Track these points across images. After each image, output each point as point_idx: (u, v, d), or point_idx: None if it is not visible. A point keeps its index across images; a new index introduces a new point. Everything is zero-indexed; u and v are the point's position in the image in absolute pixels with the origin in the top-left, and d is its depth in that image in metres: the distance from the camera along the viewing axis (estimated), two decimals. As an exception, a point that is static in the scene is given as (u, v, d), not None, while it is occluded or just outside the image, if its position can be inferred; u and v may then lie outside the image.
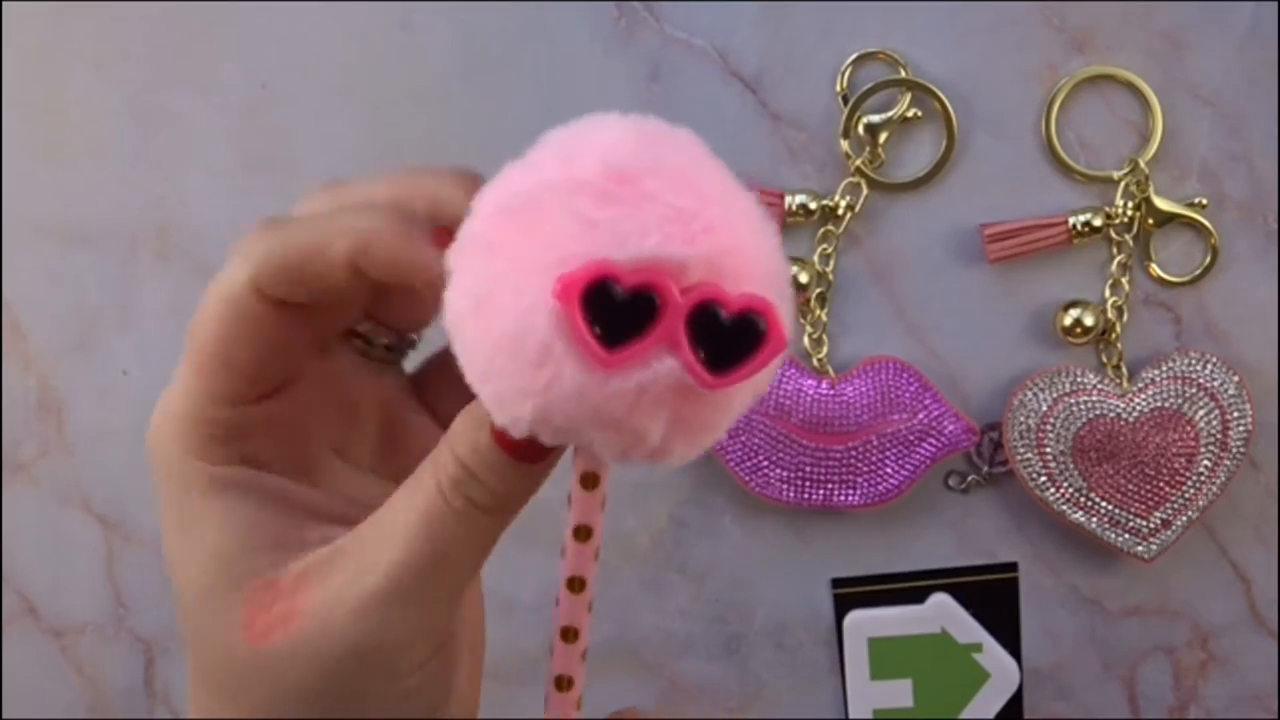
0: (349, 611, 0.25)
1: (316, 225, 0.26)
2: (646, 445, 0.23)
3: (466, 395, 0.27)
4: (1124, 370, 0.53)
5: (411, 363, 0.31)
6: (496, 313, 0.22)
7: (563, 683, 0.27)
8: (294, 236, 0.26)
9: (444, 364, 0.30)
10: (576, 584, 0.26)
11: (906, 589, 0.54)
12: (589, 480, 0.25)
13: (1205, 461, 0.52)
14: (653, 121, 0.23)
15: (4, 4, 0.54)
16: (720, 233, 0.22)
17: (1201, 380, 0.52)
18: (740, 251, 0.22)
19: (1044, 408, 0.52)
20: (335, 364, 0.29)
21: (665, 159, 0.22)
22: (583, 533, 0.25)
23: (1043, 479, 0.52)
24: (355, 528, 0.26)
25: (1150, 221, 0.53)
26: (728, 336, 0.22)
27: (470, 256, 0.23)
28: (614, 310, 0.21)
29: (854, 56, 0.53)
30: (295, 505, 0.27)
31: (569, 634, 0.27)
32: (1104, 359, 0.53)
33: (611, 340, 0.21)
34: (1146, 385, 0.52)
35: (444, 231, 0.25)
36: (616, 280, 0.21)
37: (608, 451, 0.23)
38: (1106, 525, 0.52)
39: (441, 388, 0.30)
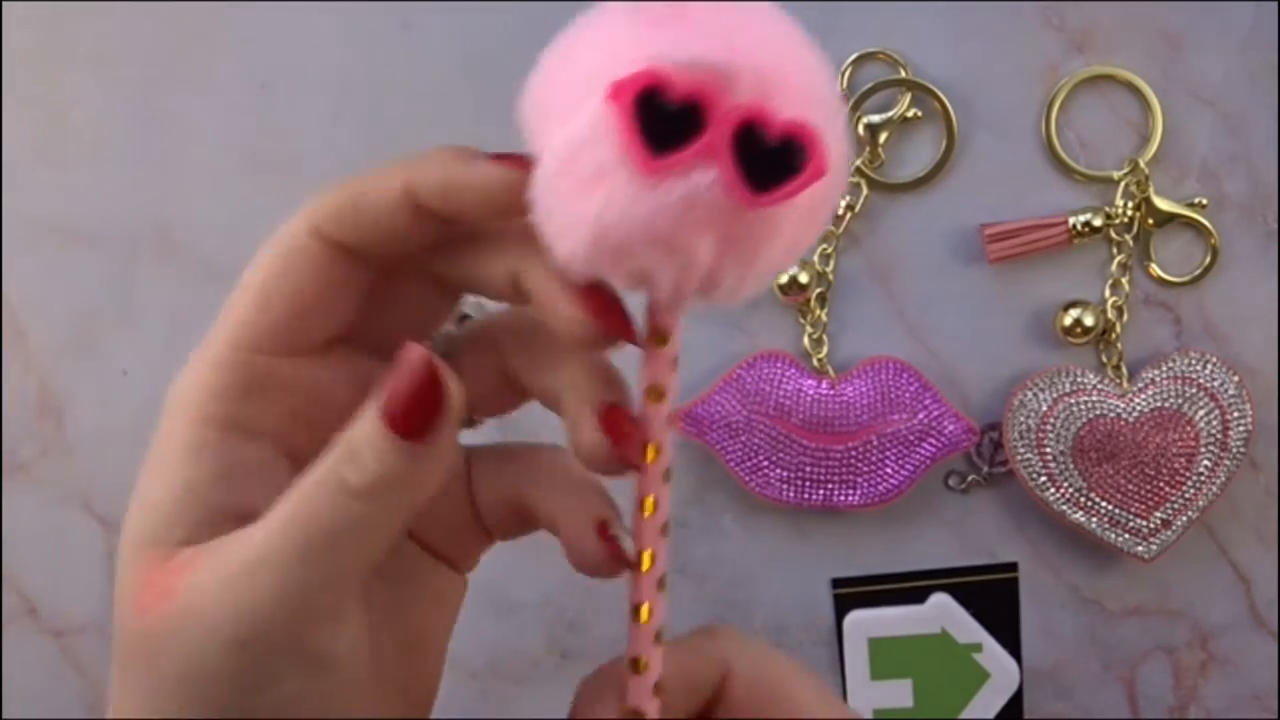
0: (210, 593, 0.24)
1: (375, 170, 0.26)
2: (697, 267, 0.22)
3: (507, 489, 0.28)
4: (1124, 370, 0.53)
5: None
6: (560, 129, 0.22)
7: (639, 613, 0.27)
8: (353, 181, 0.26)
9: (496, 457, 0.29)
10: (650, 453, 0.25)
11: (906, 589, 0.54)
12: (658, 335, 0.24)
13: (1205, 461, 0.52)
14: None
15: (4, 4, 0.54)
16: (769, 52, 0.22)
17: (1201, 380, 0.52)
18: (789, 72, 0.22)
19: (1044, 408, 0.52)
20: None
21: None
22: (654, 393, 0.25)
23: (1043, 479, 0.52)
24: None
25: (1150, 221, 0.53)
26: (772, 158, 0.22)
27: (538, 89, 0.24)
28: (664, 119, 0.21)
29: (854, 56, 0.53)
30: (266, 487, 0.26)
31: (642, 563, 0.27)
32: (1104, 359, 0.53)
33: (659, 147, 0.21)
34: (1146, 385, 0.52)
35: (500, 156, 0.25)
36: (668, 87, 0.21)
37: (664, 280, 0.23)
38: (1106, 525, 0.52)
39: (484, 474, 0.29)
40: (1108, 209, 0.52)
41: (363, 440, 0.24)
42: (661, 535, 0.26)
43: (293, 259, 0.26)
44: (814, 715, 0.28)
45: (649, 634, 0.27)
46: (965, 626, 0.54)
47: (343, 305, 0.27)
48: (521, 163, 0.24)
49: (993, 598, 0.54)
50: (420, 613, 0.29)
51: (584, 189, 0.22)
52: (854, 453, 0.52)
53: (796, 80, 0.22)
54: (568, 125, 0.22)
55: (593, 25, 0.23)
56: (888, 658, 0.54)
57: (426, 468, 0.24)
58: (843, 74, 0.53)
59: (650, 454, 0.25)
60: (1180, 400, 0.52)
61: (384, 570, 0.27)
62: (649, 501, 0.25)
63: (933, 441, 0.52)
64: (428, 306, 0.28)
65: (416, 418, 0.24)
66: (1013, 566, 0.54)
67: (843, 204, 0.53)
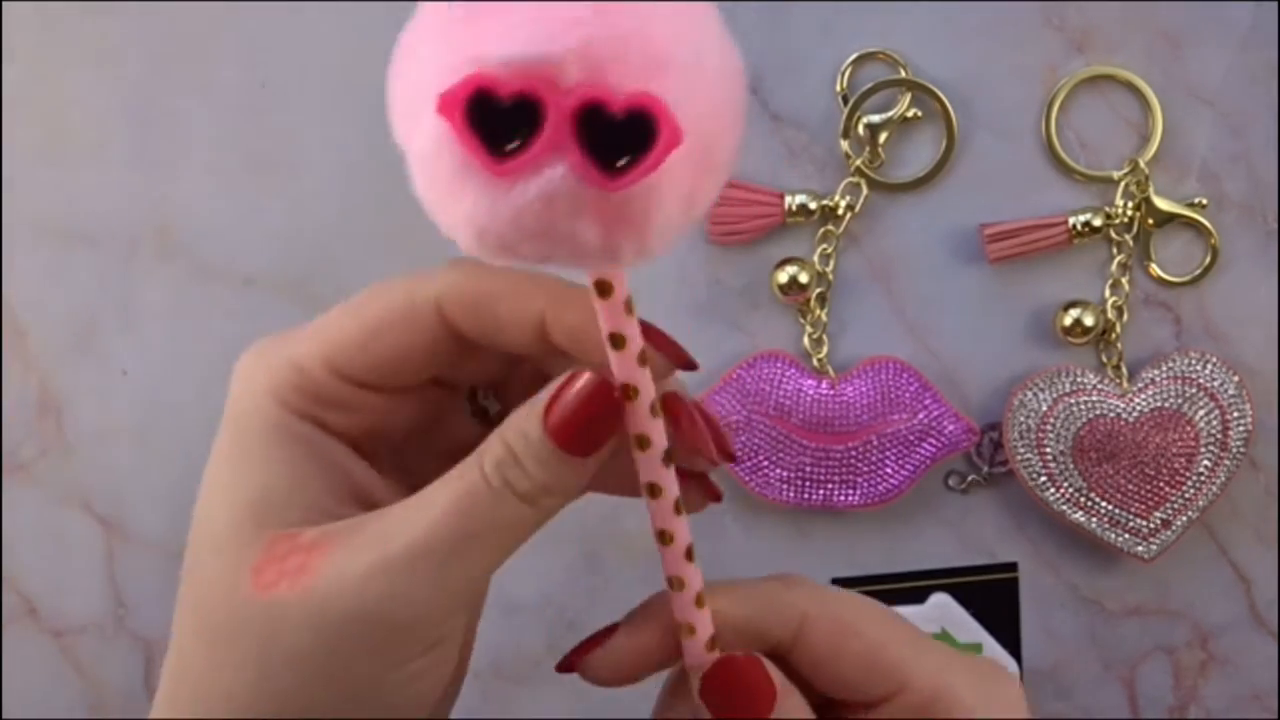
0: (360, 575, 0.25)
1: (519, 275, 0.27)
2: (590, 248, 0.22)
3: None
4: (1124, 370, 0.53)
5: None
6: (410, 141, 0.22)
7: (665, 537, 0.27)
8: (498, 277, 0.26)
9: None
10: (631, 393, 0.26)
11: (906, 589, 0.54)
12: (601, 287, 0.25)
13: (1205, 461, 0.52)
14: None
15: (4, 4, 0.54)
16: (597, 24, 0.21)
17: (1201, 380, 0.52)
18: (625, 39, 0.21)
19: (1044, 408, 0.52)
20: (456, 406, 0.30)
21: None
22: (616, 340, 0.25)
23: (1043, 479, 0.52)
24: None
25: (1150, 221, 0.53)
26: (622, 134, 0.21)
27: (392, 97, 0.23)
28: (501, 119, 0.21)
29: (854, 56, 0.53)
30: (352, 480, 0.27)
31: (654, 489, 0.27)
32: (1104, 359, 0.53)
33: (502, 149, 0.21)
34: (1146, 385, 0.52)
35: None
36: (495, 89, 0.20)
37: (563, 261, 0.23)
38: (1106, 525, 0.52)
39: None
40: (1108, 209, 0.52)
41: (525, 449, 0.25)
42: (665, 467, 0.26)
43: (413, 319, 0.27)
44: (891, 651, 0.28)
45: (665, 510, 0.27)
46: (965, 626, 0.54)
47: (432, 369, 0.28)
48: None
49: (993, 598, 0.54)
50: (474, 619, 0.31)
51: (450, 196, 0.22)
52: (854, 453, 0.52)
53: (637, 44, 0.21)
54: (413, 139, 0.22)
55: (416, 30, 0.23)
56: (888, 658, 0.54)
57: (585, 477, 0.26)
58: (843, 74, 0.53)
59: (631, 393, 0.25)
60: (1180, 400, 0.52)
61: None
62: (643, 438, 0.26)
63: (933, 441, 0.52)
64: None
65: (586, 437, 0.25)
66: (1013, 566, 0.54)
67: (843, 204, 0.53)
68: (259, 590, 0.25)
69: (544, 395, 0.25)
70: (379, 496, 0.28)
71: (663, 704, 0.30)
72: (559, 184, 0.21)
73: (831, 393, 0.53)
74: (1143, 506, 0.52)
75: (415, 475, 0.28)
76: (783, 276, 0.53)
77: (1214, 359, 0.52)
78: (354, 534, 0.25)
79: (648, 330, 0.26)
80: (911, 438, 0.52)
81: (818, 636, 0.28)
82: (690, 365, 0.27)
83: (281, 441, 0.27)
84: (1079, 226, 0.52)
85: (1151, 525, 0.52)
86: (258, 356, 0.27)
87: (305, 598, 0.25)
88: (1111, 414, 0.52)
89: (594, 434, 0.25)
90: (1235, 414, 0.52)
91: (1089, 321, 0.52)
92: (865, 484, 0.53)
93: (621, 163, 0.21)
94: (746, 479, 0.53)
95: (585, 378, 0.25)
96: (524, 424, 0.25)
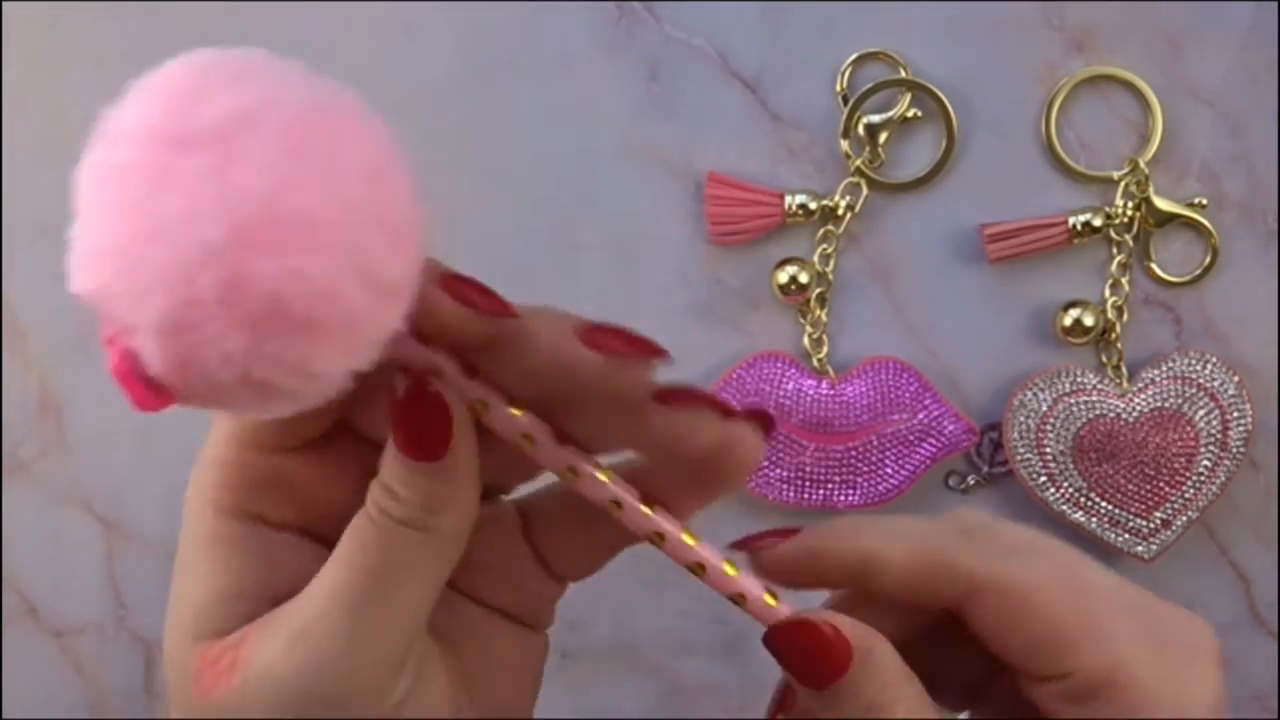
0: (280, 652, 0.24)
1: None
2: (266, 405, 0.23)
3: (578, 531, 0.28)
4: (1124, 370, 0.53)
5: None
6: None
7: (656, 539, 0.27)
8: None
9: (557, 501, 0.28)
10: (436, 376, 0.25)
11: (906, 589, 0.54)
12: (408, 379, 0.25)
13: (1205, 461, 0.52)
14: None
15: (4, 4, 0.54)
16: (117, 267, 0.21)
17: (1201, 380, 0.52)
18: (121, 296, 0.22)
19: (1044, 408, 0.52)
20: None
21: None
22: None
23: (1043, 479, 0.52)
24: None
25: (1150, 221, 0.53)
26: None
27: None
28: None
29: (854, 56, 0.53)
30: (299, 570, 0.26)
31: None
32: (1104, 359, 0.53)
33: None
34: (1146, 385, 0.52)
35: (454, 278, 0.24)
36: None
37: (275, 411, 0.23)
38: (1106, 525, 0.52)
39: (551, 522, 0.29)
40: (1108, 209, 0.52)
41: (390, 474, 0.24)
42: (588, 465, 0.26)
43: None
44: (1064, 632, 0.27)
45: (636, 517, 0.27)
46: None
47: (333, 403, 0.26)
48: (492, 305, 0.24)
49: (993, 598, 0.54)
50: (501, 679, 0.29)
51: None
52: (854, 453, 0.52)
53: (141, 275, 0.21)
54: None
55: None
56: (888, 658, 0.54)
57: (457, 483, 0.25)
58: (843, 74, 0.53)
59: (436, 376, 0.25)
60: (1180, 400, 0.52)
61: (460, 641, 0.27)
62: (528, 436, 0.26)
63: (933, 441, 0.52)
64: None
65: (426, 438, 0.24)
66: (1013, 566, 0.54)
67: (843, 204, 0.53)
68: (200, 697, 0.25)
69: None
70: None
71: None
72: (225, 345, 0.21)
73: (831, 393, 0.53)
74: (1143, 506, 0.52)
75: None
76: (783, 276, 0.53)
77: (1214, 359, 0.52)
78: (273, 617, 0.25)
79: (454, 283, 0.24)
80: (911, 438, 0.52)
81: (985, 609, 0.27)
82: (499, 308, 0.24)
83: (217, 551, 0.26)
84: (1079, 226, 0.52)
85: (1151, 525, 0.52)
86: (196, 465, 0.27)
87: (238, 693, 0.24)
88: (1111, 414, 0.52)
89: (431, 434, 0.24)
90: (1235, 414, 0.52)
91: (1089, 321, 0.52)
92: (865, 484, 0.53)
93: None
94: (746, 479, 0.53)
95: (400, 380, 0.24)
96: (387, 452, 0.25)
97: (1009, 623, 0.27)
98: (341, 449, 0.27)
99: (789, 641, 0.27)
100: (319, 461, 0.27)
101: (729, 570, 0.27)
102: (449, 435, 0.24)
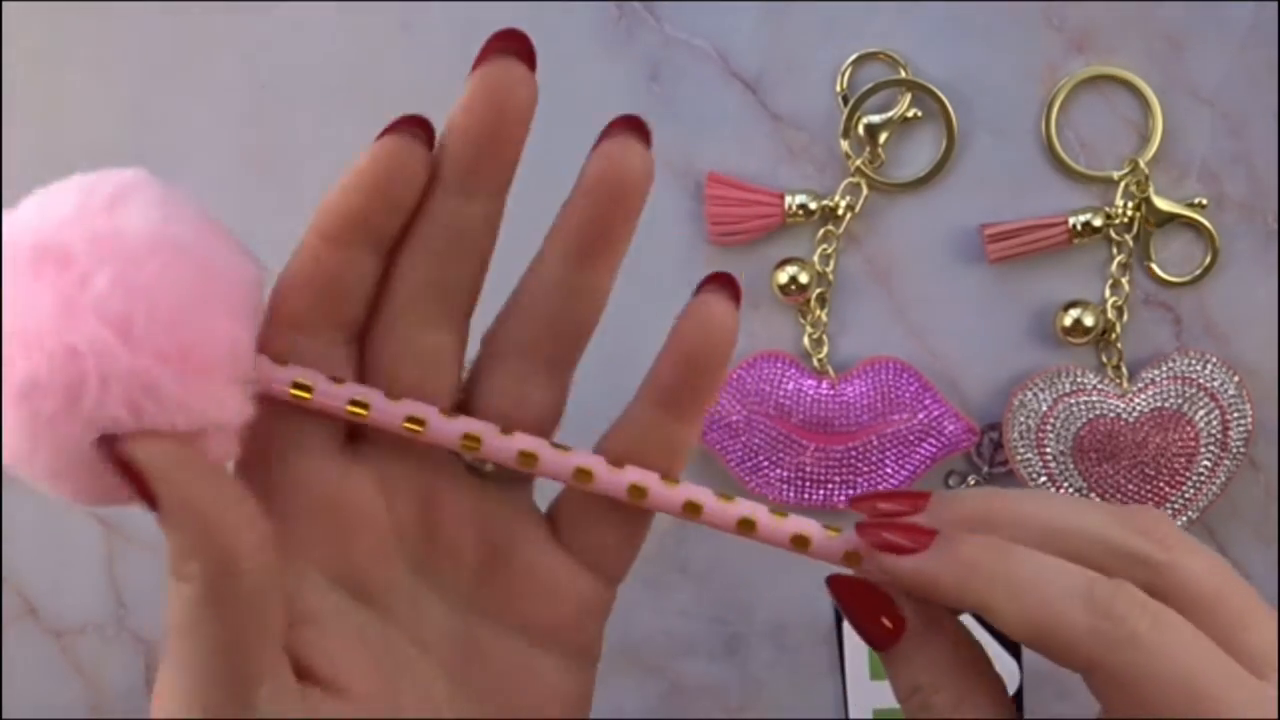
0: (168, 684, 0.25)
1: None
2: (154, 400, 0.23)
3: (607, 529, 0.27)
4: (1124, 370, 0.53)
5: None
6: None
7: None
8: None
9: (582, 497, 0.27)
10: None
11: (906, 589, 0.54)
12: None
13: (1205, 461, 0.52)
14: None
15: (4, 4, 0.54)
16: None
17: (1201, 380, 0.52)
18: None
19: (1044, 408, 0.52)
20: (429, 476, 0.27)
21: None
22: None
23: (1043, 479, 0.52)
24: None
25: (1150, 221, 0.53)
26: None
27: None
28: None
29: (854, 56, 0.53)
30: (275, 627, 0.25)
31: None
32: (1104, 359, 0.53)
33: None
34: (1146, 385, 0.52)
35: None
36: None
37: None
38: (1106, 525, 0.52)
39: (580, 521, 0.28)
40: (1108, 209, 0.52)
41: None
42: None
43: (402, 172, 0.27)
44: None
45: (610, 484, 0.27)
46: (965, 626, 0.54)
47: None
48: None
49: (993, 598, 0.54)
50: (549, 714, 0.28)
51: None
52: (854, 453, 0.52)
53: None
54: None
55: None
56: (888, 658, 0.54)
57: (186, 530, 0.24)
58: (843, 74, 0.53)
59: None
60: (1180, 400, 0.52)
61: (503, 679, 0.27)
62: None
63: (933, 441, 0.52)
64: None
65: (131, 490, 0.24)
66: (1013, 566, 0.54)
67: (843, 204, 0.53)
68: None
69: None
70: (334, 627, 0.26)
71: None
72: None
73: (831, 393, 0.53)
74: (1143, 506, 0.52)
75: (434, 578, 0.27)
76: (783, 276, 0.53)
77: (1214, 359, 0.52)
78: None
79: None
80: (911, 438, 0.52)
81: (1096, 683, 0.25)
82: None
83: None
84: (1079, 226, 0.52)
85: (1151, 525, 0.52)
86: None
87: None
88: (1111, 414, 0.52)
89: (131, 488, 0.24)
90: (1235, 414, 0.52)
91: (1089, 321, 0.52)
92: (865, 484, 0.53)
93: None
94: (746, 479, 0.53)
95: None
96: None
97: (1118, 701, 0.25)
98: (352, 486, 0.27)
99: (845, 596, 0.27)
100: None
101: (777, 516, 0.27)
102: (147, 488, 0.23)
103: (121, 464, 0.23)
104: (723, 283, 0.27)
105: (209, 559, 0.23)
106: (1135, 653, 0.24)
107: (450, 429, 0.26)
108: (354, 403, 0.26)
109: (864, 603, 0.27)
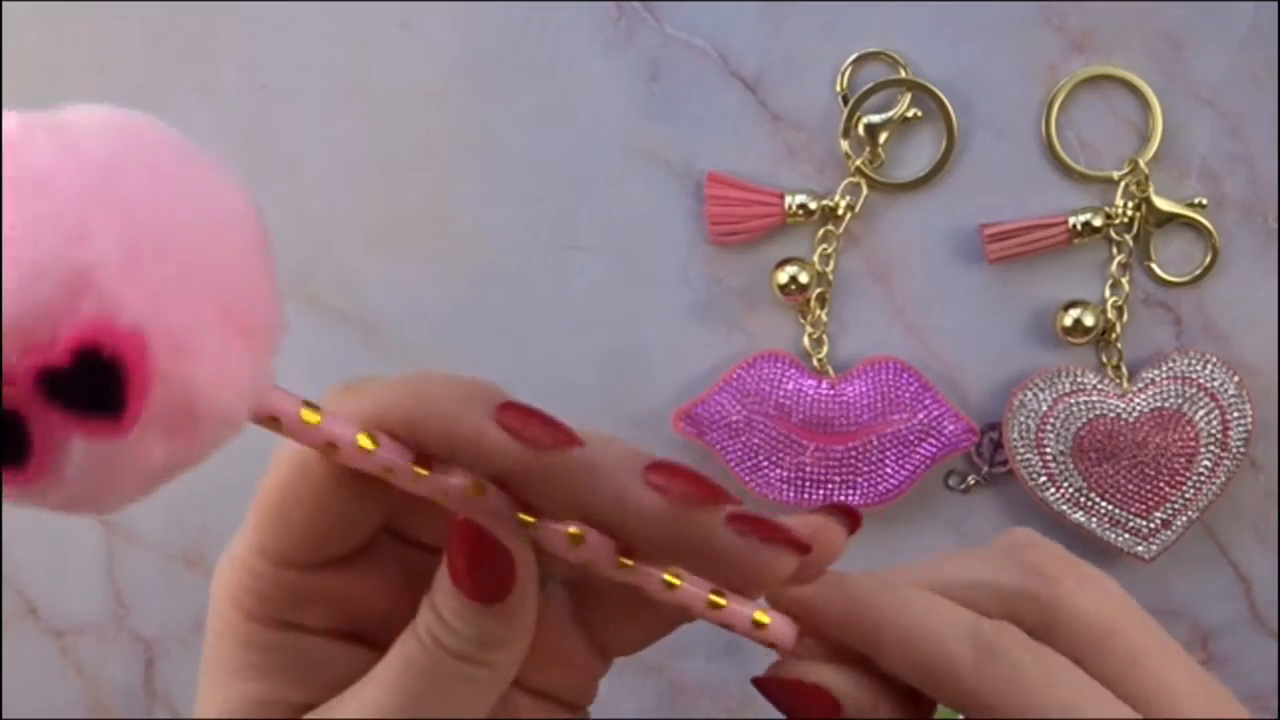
0: None
1: (384, 385, 0.24)
2: (158, 469, 0.21)
3: (633, 605, 0.26)
4: (1124, 370, 0.53)
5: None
6: None
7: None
8: (363, 396, 0.24)
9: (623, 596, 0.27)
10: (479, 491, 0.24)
11: (906, 589, 0.54)
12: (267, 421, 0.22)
13: (1205, 461, 0.52)
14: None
15: (4, 4, 0.54)
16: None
17: (1201, 380, 0.52)
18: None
19: (1044, 408, 0.52)
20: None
21: None
22: (389, 469, 0.23)
23: (1043, 479, 0.52)
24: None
25: (1150, 221, 0.53)
26: (97, 372, 0.19)
27: None
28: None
29: (854, 56, 0.53)
30: (339, 676, 0.25)
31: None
32: (1104, 359, 0.53)
33: (22, 459, 0.20)
34: (1146, 385, 0.52)
35: (511, 408, 0.23)
36: None
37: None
38: (1106, 525, 0.52)
39: (601, 608, 0.27)
40: (1108, 209, 0.52)
41: (444, 604, 0.24)
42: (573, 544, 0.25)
43: (302, 484, 0.24)
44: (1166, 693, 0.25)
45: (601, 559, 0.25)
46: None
47: (370, 517, 0.25)
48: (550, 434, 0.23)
49: (993, 598, 0.54)
50: None
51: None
52: (854, 453, 0.52)
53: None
54: None
55: None
56: (888, 658, 0.54)
57: (514, 625, 0.24)
58: (843, 74, 0.53)
59: (481, 491, 0.23)
60: (1180, 400, 0.52)
61: None
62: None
63: (933, 441, 0.52)
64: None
65: (487, 582, 0.23)
66: (1013, 566, 0.54)
67: (843, 204, 0.53)
68: None
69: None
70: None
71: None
72: (85, 461, 0.20)
73: (831, 393, 0.53)
74: (1143, 506, 0.52)
75: None
76: (783, 276, 0.53)
77: (1214, 359, 0.52)
78: (322, 714, 0.25)
79: (512, 415, 0.23)
80: (911, 438, 0.52)
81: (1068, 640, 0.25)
82: (565, 442, 0.23)
83: (248, 657, 0.25)
84: (1079, 226, 0.52)
85: (1151, 525, 0.52)
86: (224, 559, 0.25)
87: None
88: (1111, 414, 0.52)
89: (493, 580, 0.23)
90: (1235, 414, 0.52)
91: (1089, 321, 0.52)
92: (865, 484, 0.53)
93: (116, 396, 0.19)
94: (746, 479, 0.53)
95: (458, 522, 0.23)
96: (441, 579, 0.24)
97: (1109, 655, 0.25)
98: (383, 556, 0.26)
99: (776, 695, 0.27)
100: (359, 572, 0.26)
101: (761, 618, 0.27)
102: (512, 582, 0.23)
103: (490, 546, 0.23)
104: (842, 515, 0.26)
105: (517, 652, 0.24)
106: (1017, 686, 0.24)
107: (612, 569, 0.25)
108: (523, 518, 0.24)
109: (796, 700, 0.26)
